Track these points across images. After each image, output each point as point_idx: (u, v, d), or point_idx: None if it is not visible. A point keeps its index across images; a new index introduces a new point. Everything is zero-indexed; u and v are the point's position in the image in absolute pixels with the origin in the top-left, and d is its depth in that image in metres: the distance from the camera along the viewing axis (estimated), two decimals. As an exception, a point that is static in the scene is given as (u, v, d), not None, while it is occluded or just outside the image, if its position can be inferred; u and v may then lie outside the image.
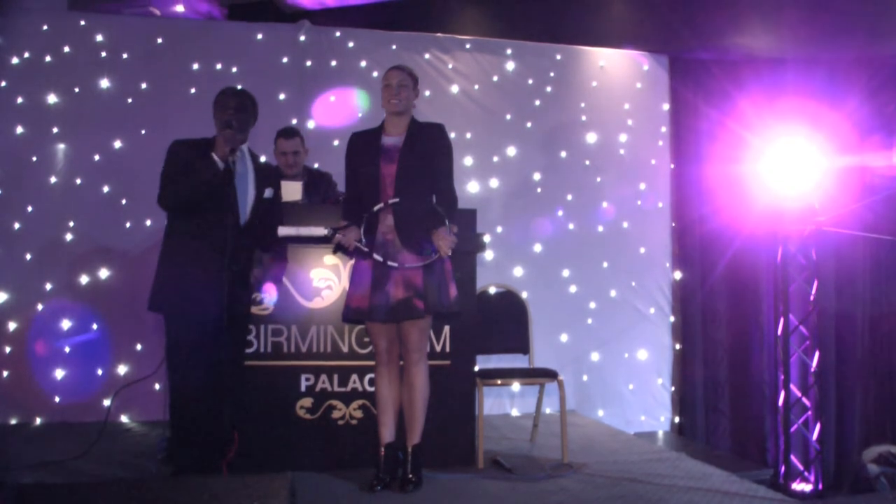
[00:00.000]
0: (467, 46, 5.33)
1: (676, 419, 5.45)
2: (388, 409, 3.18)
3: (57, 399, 4.53)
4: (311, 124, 5.01)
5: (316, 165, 4.52)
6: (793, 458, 5.22)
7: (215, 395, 2.92)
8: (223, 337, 2.99)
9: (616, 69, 5.56)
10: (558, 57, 5.46)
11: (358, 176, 3.17)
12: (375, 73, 5.14)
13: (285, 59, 5.08)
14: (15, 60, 4.72)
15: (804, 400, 5.33)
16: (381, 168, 3.10)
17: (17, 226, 4.60)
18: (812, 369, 5.35)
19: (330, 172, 4.30)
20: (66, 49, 4.78)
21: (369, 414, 3.46)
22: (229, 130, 2.94)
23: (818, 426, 5.27)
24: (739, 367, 5.63)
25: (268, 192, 3.13)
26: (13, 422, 4.48)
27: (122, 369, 4.60)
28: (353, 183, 3.22)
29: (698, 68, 5.74)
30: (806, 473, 5.25)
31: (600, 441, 4.25)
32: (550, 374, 3.80)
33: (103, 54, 4.83)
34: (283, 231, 3.18)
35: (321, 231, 3.12)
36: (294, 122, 4.86)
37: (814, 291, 5.37)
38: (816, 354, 5.34)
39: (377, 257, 3.00)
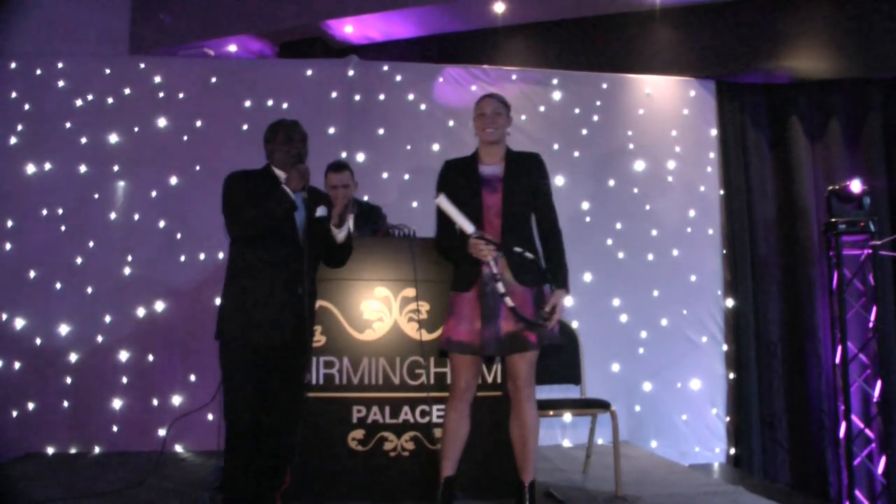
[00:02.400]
0: (514, 77, 5.37)
1: (732, 451, 5.30)
2: (456, 443, 3.07)
3: (115, 429, 4.62)
4: (360, 157, 5.10)
5: (366, 198, 4.59)
6: (857, 493, 5.02)
7: (278, 426, 2.97)
8: (291, 365, 3.06)
9: (662, 96, 5.54)
10: (604, 85, 5.46)
11: (457, 206, 3.05)
12: (423, 106, 5.21)
13: (334, 94, 5.17)
14: (79, 103, 4.91)
15: (867, 431, 5.14)
16: (484, 198, 3.06)
17: (79, 260, 4.74)
18: (874, 399, 5.17)
19: (379, 205, 4.36)
20: (127, 91, 4.96)
21: (421, 446, 3.46)
22: (304, 165, 3.02)
23: (884, 459, 5.07)
24: (797, 396, 5.48)
25: (320, 211, 3.13)
26: (73, 451, 4.58)
27: (176, 400, 4.68)
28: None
29: (746, 92, 5.70)
30: (872, 509, 5.05)
31: (655, 473, 4.17)
32: (603, 405, 3.75)
33: (161, 95, 5.00)
34: (441, 201, 2.98)
35: (469, 228, 2.95)
36: (343, 155, 4.95)
37: (873, 318, 5.21)
38: (878, 383, 5.16)
39: (500, 287, 2.88)
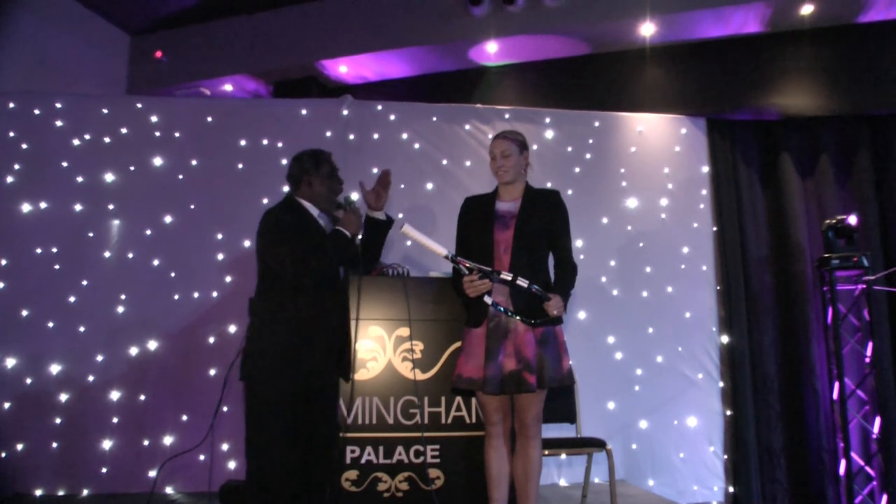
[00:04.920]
0: (506, 116, 5.41)
1: (730, 489, 5.23)
2: (501, 484, 3.05)
3: (104, 470, 4.54)
4: (354, 196, 5.10)
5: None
6: (859, 532, 4.96)
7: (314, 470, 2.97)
8: (327, 411, 3.06)
9: (654, 134, 5.59)
10: (596, 124, 5.52)
11: (470, 241, 3.13)
12: (417, 145, 5.25)
13: (329, 133, 5.19)
14: (76, 142, 4.94)
15: (867, 469, 5.09)
16: (495, 234, 3.07)
17: (72, 299, 4.72)
18: (874, 436, 5.12)
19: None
20: (124, 130, 4.99)
21: (415, 486, 3.42)
22: (358, 210, 3.07)
23: (885, 497, 5.01)
24: (795, 433, 5.42)
25: None
26: (61, 493, 4.49)
27: (167, 440, 4.61)
28: (463, 247, 3.18)
29: (736, 129, 5.75)
30: (875, 549, 4.98)
31: (652, 514, 4.12)
32: (598, 444, 3.72)
33: (157, 134, 5.02)
34: (407, 229, 2.97)
35: (442, 250, 2.95)
36: (338, 194, 4.96)
37: (869, 353, 5.19)
38: (877, 420, 5.12)
39: (499, 307, 2.90)
